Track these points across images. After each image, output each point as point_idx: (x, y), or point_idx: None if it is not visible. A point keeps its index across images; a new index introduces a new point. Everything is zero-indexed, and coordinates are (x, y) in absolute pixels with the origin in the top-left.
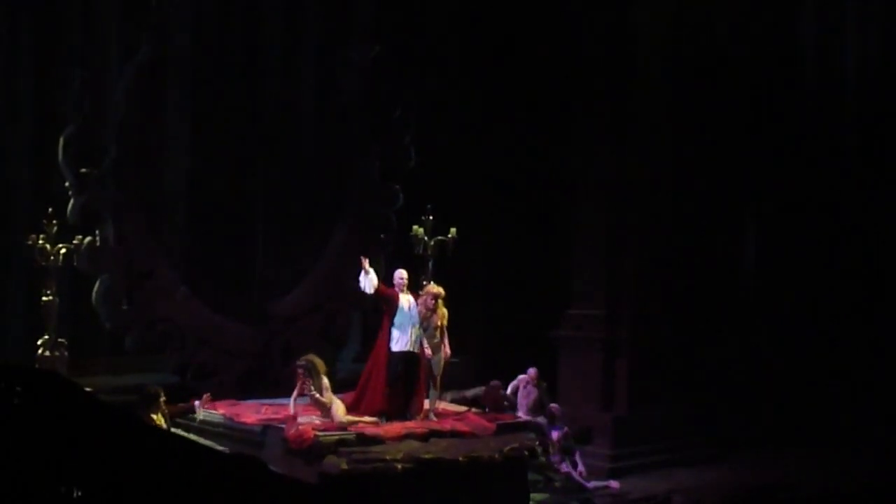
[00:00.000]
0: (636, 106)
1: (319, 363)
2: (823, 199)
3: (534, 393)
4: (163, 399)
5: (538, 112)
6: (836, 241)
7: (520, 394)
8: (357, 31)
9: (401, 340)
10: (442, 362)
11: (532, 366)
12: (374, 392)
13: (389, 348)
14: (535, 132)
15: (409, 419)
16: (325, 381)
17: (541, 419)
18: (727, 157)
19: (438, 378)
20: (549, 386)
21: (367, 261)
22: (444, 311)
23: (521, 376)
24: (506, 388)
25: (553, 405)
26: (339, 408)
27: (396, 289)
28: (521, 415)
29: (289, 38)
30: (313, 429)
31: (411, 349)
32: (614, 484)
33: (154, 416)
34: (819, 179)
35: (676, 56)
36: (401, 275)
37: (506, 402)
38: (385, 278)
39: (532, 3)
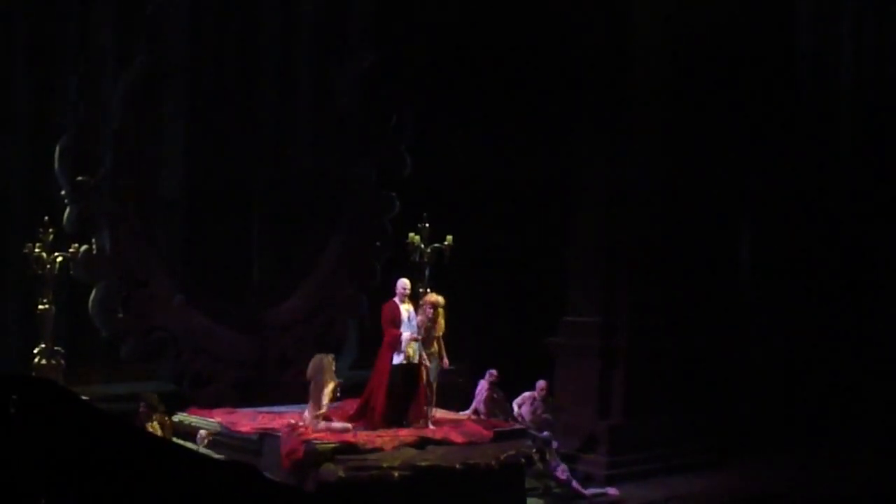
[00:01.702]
0: (632, 113)
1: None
2: (821, 204)
3: (540, 407)
4: (162, 409)
5: (534, 119)
6: (834, 246)
7: (525, 408)
8: (353, 39)
9: (401, 352)
10: (437, 370)
11: (525, 374)
12: (373, 404)
13: (391, 360)
14: (532, 139)
15: (407, 426)
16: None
17: (545, 434)
18: (724, 162)
19: (434, 386)
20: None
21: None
22: (441, 320)
23: (527, 393)
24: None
25: (545, 414)
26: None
27: (397, 298)
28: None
29: (285, 47)
30: (305, 439)
31: (412, 360)
32: (612, 490)
33: (150, 426)
34: (816, 184)
35: (673, 61)
36: (403, 284)
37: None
38: (381, 286)
39: (528, 11)
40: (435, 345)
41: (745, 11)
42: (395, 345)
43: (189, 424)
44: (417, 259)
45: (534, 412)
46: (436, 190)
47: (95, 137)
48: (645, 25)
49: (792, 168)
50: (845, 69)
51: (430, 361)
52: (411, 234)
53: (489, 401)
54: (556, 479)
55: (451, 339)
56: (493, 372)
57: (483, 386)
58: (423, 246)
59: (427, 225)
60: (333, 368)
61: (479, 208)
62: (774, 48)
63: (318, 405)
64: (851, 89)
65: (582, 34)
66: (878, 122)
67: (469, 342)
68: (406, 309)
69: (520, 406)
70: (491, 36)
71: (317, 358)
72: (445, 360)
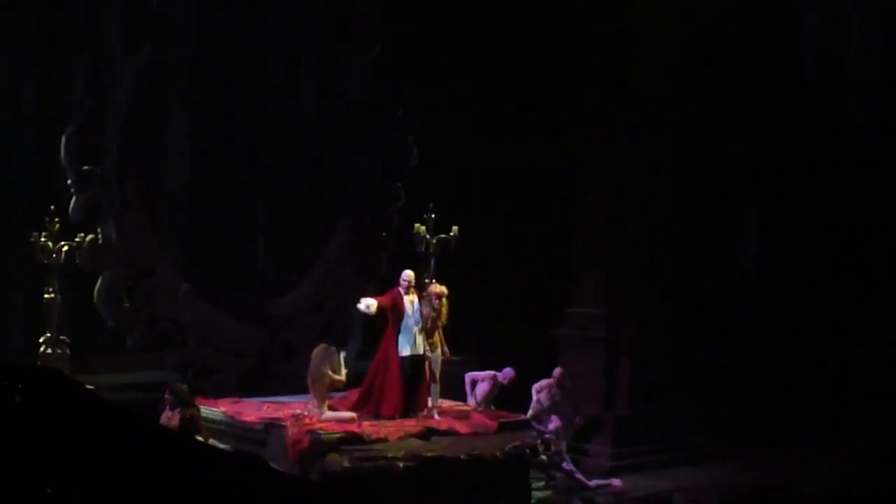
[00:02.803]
0: (637, 103)
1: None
2: (825, 197)
3: (558, 394)
4: (189, 400)
5: (539, 110)
6: (838, 239)
7: (543, 395)
8: (359, 30)
9: (407, 344)
10: (440, 359)
11: (530, 365)
12: (379, 394)
13: (397, 352)
14: (537, 130)
15: (413, 417)
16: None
17: (549, 426)
18: (729, 154)
19: (437, 374)
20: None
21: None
22: (444, 310)
23: (545, 381)
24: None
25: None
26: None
27: (401, 289)
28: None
29: (291, 37)
30: (310, 430)
31: (418, 351)
32: (616, 482)
33: (168, 416)
34: (820, 177)
35: (677, 52)
36: (406, 275)
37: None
38: (387, 277)
39: (533, 3)
40: (437, 335)
41: (749, 5)
42: (398, 314)
43: None
44: (423, 250)
45: (552, 398)
46: (441, 180)
47: (101, 127)
48: (648, 19)
49: (796, 163)
50: (851, 63)
51: (432, 351)
52: (417, 225)
53: (490, 394)
54: (562, 470)
55: (456, 331)
56: (510, 373)
57: (494, 378)
58: (428, 237)
59: (433, 215)
60: (341, 362)
61: (485, 199)
62: (779, 42)
63: (319, 398)
64: (857, 83)
65: (586, 24)
66: (884, 117)
67: (474, 333)
68: (410, 300)
69: (538, 392)
70: (496, 27)
71: (319, 349)
72: (446, 350)
